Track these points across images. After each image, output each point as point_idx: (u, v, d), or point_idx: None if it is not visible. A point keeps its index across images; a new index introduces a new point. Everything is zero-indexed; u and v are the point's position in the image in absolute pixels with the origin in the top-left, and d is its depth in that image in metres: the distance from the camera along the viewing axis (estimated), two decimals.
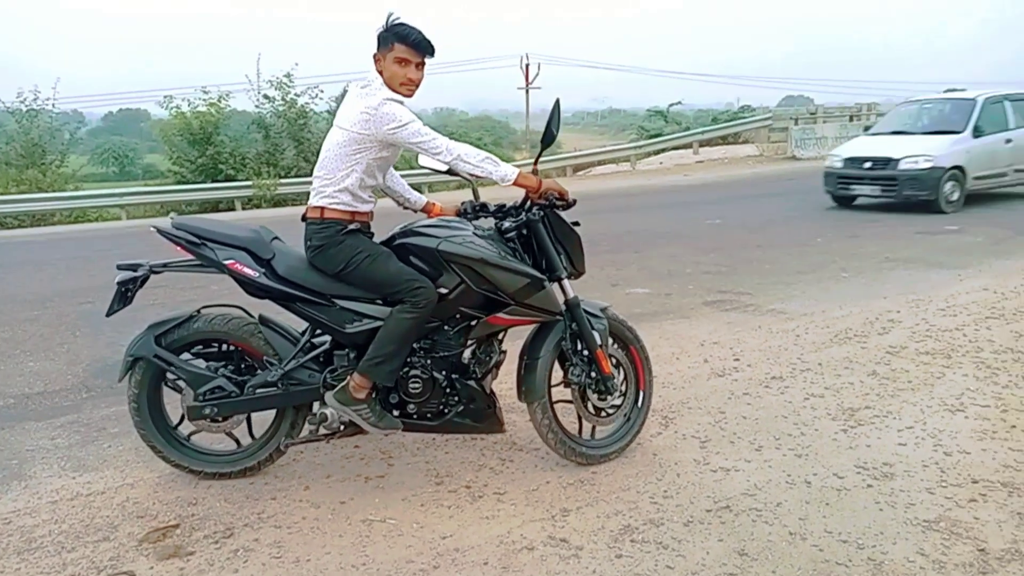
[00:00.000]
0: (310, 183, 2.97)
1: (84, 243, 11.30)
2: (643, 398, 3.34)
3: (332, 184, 2.82)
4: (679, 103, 28.32)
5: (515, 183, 2.81)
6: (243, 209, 17.02)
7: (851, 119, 21.23)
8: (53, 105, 19.46)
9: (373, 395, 2.89)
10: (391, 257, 2.84)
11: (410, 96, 2.85)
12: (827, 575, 2.42)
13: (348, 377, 2.86)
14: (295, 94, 19.90)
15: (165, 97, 19.69)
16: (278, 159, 19.47)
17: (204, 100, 19.42)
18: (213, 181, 18.37)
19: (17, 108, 18.98)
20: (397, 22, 2.78)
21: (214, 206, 17.13)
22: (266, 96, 19.84)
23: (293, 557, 2.61)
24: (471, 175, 2.85)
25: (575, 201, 3.03)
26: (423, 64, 2.85)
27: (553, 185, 2.92)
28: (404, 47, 2.75)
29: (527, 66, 33.34)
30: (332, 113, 23.20)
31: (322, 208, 2.84)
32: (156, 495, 3.06)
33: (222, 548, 2.68)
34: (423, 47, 2.78)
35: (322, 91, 20.11)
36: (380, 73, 2.82)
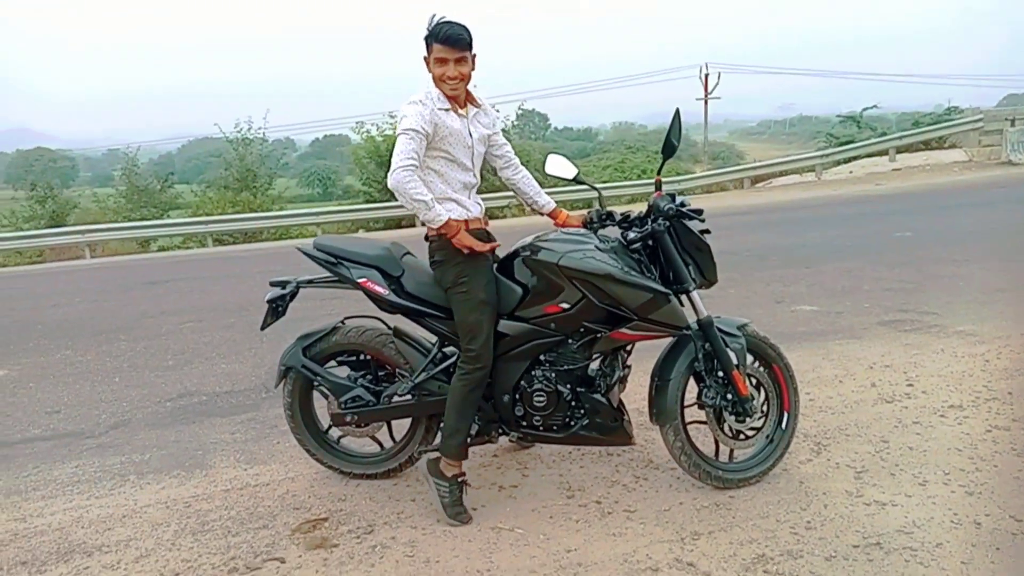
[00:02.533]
0: (488, 200, 3.07)
1: (282, 258, 12.45)
2: (788, 419, 3.15)
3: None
4: (874, 107, 26.27)
5: (439, 228, 2.79)
6: (423, 225, 17.92)
7: None
8: (264, 133, 21.67)
9: (459, 479, 2.98)
10: (485, 308, 2.86)
11: (455, 93, 2.82)
12: None
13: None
14: None
15: (358, 123, 21.33)
16: None
17: (391, 124, 20.81)
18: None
19: (235, 136, 21.35)
20: (435, 24, 2.75)
21: (397, 223, 18.25)
22: None
23: (424, 557, 2.73)
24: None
25: (701, 211, 2.94)
26: (465, 59, 2.78)
27: (465, 241, 2.81)
28: (439, 45, 2.74)
29: (706, 76, 32.57)
30: (506, 130, 24.00)
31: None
32: (312, 489, 3.32)
33: (363, 543, 2.85)
34: (454, 42, 2.73)
35: (498, 110, 20.84)
36: (432, 78, 2.83)
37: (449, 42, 2.73)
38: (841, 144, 22.42)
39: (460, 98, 2.88)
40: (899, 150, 20.17)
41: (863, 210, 12.35)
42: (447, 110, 2.83)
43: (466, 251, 2.83)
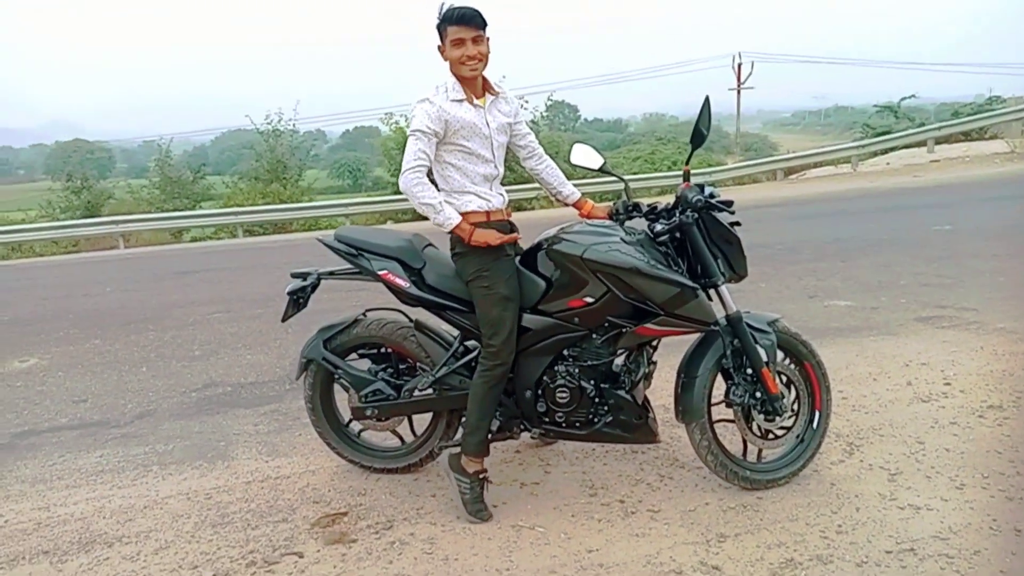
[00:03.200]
0: (514, 192, 3.02)
1: (311, 249, 12.49)
2: (819, 419, 3.05)
3: (449, 190, 2.86)
4: (913, 96, 25.65)
5: (452, 230, 2.75)
6: None
7: None
8: (294, 125, 21.79)
9: (481, 476, 2.93)
10: (507, 302, 2.81)
11: (475, 74, 2.75)
12: None
13: None
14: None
15: (386, 114, 21.35)
16: None
17: None
18: None
19: (266, 128, 21.50)
20: (447, 8, 2.71)
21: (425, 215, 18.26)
22: None
23: (443, 555, 2.69)
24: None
25: (732, 203, 2.84)
26: (481, 38, 2.72)
27: (484, 237, 2.74)
28: (454, 27, 2.67)
29: (739, 66, 32.07)
30: (535, 122, 23.88)
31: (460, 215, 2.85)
32: (332, 483, 3.30)
33: (381, 539, 2.82)
34: (469, 20, 2.68)
35: (527, 102, 20.70)
36: (449, 65, 2.77)
37: (464, 20, 2.68)
38: (878, 135, 21.89)
39: (478, 84, 2.81)
40: (938, 141, 19.64)
41: (900, 203, 12.06)
42: (460, 101, 2.77)
43: (484, 247, 2.78)
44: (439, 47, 2.77)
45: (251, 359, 5.37)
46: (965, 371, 4.16)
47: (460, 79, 2.77)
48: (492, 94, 2.88)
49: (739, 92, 31.70)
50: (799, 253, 7.86)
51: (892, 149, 20.39)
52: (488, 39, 2.76)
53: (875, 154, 20.45)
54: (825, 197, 14.02)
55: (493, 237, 2.78)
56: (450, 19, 2.69)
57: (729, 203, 2.83)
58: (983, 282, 6.19)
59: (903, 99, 25.02)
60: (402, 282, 2.94)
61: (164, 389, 4.83)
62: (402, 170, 2.73)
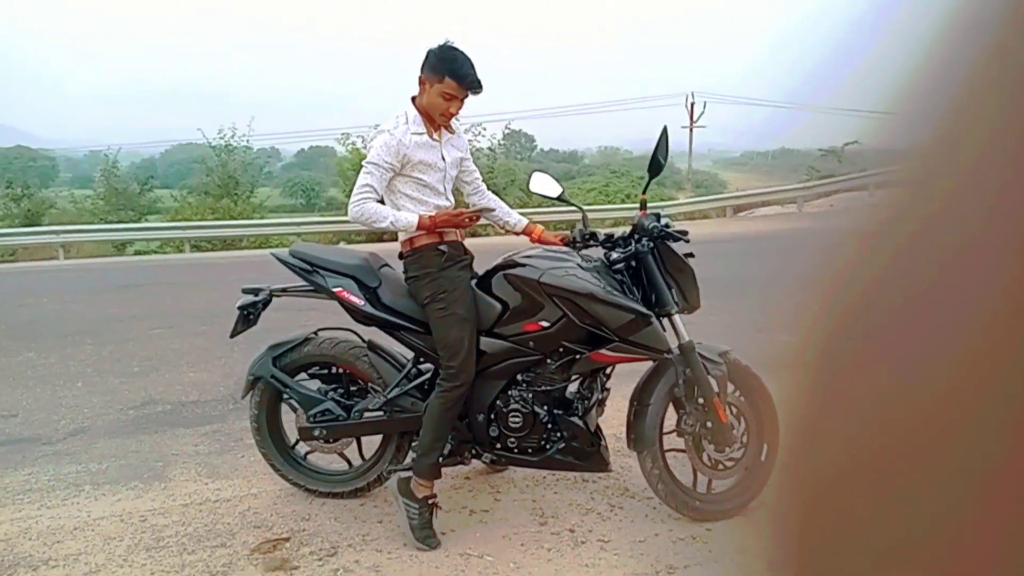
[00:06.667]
0: None
1: (260, 266, 12.23)
2: (767, 452, 3.08)
3: None
4: (856, 142, 26.54)
5: (417, 227, 2.75)
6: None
7: None
8: (248, 141, 21.52)
9: (430, 501, 2.88)
10: (465, 324, 2.78)
11: (444, 123, 2.81)
12: None
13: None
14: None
15: (343, 135, 21.24)
16: None
17: None
18: None
19: (218, 143, 21.17)
20: (451, 53, 2.68)
21: (379, 236, 18.11)
22: None
23: None
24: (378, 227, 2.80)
25: (687, 232, 2.88)
26: (467, 98, 2.75)
27: (446, 218, 2.76)
28: (456, 84, 2.66)
29: (692, 104, 32.88)
30: (492, 150, 24.02)
31: (411, 239, 2.84)
32: (275, 507, 3.19)
33: (325, 566, 2.73)
34: (474, 87, 2.69)
35: (484, 129, 20.84)
36: (421, 93, 2.75)
37: (469, 85, 2.68)
38: (822, 178, 22.68)
39: (437, 123, 2.83)
40: (878, 186, 20.40)
41: None
42: (421, 134, 2.76)
43: (452, 228, 2.80)
44: (422, 78, 2.73)
45: (193, 377, 5.21)
46: None
47: (427, 117, 2.78)
48: (449, 132, 2.90)
49: (691, 130, 32.45)
50: (747, 287, 8.00)
51: (836, 192, 21.09)
52: None
53: (819, 196, 21.14)
54: (772, 235, 14.40)
55: (455, 219, 2.77)
56: (456, 74, 2.65)
57: (684, 233, 2.88)
58: None
59: (846, 144, 25.90)
60: (357, 300, 2.90)
61: (100, 406, 4.64)
62: (351, 201, 2.74)
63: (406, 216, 2.74)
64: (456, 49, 2.70)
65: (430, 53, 2.71)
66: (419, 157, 2.75)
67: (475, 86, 2.70)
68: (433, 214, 2.79)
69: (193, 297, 8.83)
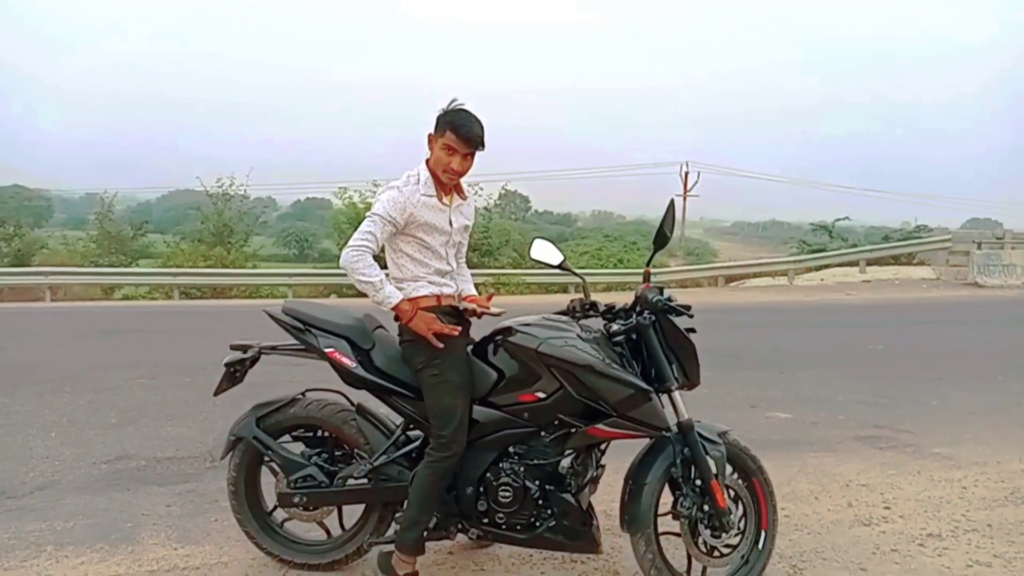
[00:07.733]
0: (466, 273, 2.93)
1: (250, 317, 12.15)
2: (765, 539, 2.95)
3: (401, 278, 2.79)
4: (846, 218, 27.08)
5: (392, 308, 2.67)
6: None
7: None
8: (245, 190, 21.63)
9: None
10: (458, 392, 2.71)
11: (451, 183, 2.76)
12: None
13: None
14: None
15: (340, 188, 21.38)
16: None
17: (374, 193, 20.88)
18: None
19: (215, 191, 21.28)
20: (456, 108, 2.70)
21: None
22: None
23: None
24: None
25: (690, 307, 2.81)
26: (472, 155, 2.73)
27: (423, 322, 2.66)
28: (455, 137, 2.65)
29: (686, 174, 33.47)
30: (488, 209, 24.20)
31: (408, 301, 2.74)
32: None
33: None
34: (473, 141, 2.68)
35: (481, 188, 21.00)
36: (430, 153, 2.75)
37: (466, 137, 2.66)
38: (813, 251, 22.91)
39: (449, 187, 2.79)
40: (869, 262, 20.61)
41: (835, 319, 12.44)
42: (431, 196, 2.73)
43: (425, 338, 2.68)
44: (430, 135, 2.74)
45: (172, 431, 5.04)
46: (904, 496, 4.14)
47: (438, 181, 2.74)
48: (461, 198, 2.86)
49: (685, 199, 32.95)
50: (741, 361, 7.93)
51: (827, 266, 21.29)
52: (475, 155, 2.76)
53: (810, 269, 21.31)
54: (764, 307, 14.40)
55: (434, 324, 2.67)
56: (455, 127, 2.66)
57: (687, 307, 2.81)
58: (917, 404, 6.31)
59: (837, 220, 26.32)
60: (349, 362, 2.80)
61: (72, 458, 4.46)
62: (347, 245, 2.65)
63: (391, 292, 2.66)
64: (463, 108, 2.71)
65: (438, 114, 2.72)
66: (425, 218, 2.70)
67: (473, 139, 2.67)
68: (420, 299, 2.73)
69: (179, 346, 8.70)
